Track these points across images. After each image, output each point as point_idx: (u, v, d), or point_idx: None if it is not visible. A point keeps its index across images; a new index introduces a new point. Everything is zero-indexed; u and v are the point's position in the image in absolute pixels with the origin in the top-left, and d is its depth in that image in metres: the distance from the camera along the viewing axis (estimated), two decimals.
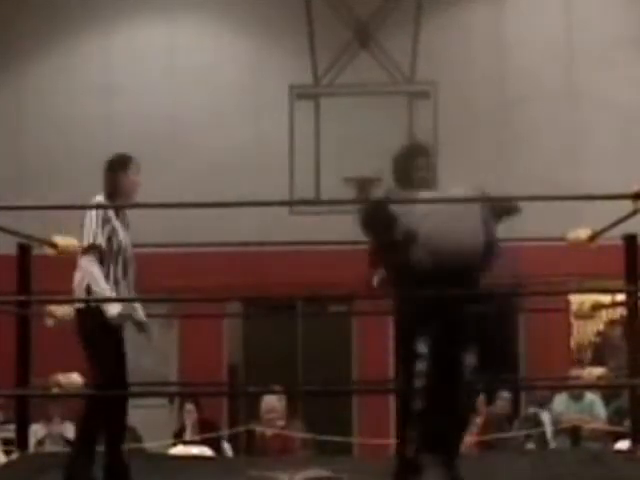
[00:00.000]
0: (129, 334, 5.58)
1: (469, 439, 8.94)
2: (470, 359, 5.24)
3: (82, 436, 5.40)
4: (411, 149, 5.60)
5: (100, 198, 5.47)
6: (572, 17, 12.09)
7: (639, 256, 6.47)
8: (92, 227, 5.32)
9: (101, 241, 5.33)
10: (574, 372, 10.72)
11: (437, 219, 5.17)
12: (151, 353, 10.87)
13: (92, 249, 5.30)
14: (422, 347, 5.18)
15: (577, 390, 10.10)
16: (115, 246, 5.39)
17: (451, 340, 5.17)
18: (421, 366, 5.17)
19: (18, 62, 12.45)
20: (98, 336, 5.32)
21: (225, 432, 10.58)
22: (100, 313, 5.29)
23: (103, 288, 5.29)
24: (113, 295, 5.34)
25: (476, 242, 5.16)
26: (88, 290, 5.35)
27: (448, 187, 5.47)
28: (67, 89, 12.40)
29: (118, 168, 5.51)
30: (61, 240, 6.46)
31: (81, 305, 5.37)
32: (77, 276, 5.43)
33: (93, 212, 5.34)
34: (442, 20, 12.21)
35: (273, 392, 8.64)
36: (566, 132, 11.95)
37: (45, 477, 5.94)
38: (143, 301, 5.66)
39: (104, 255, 5.35)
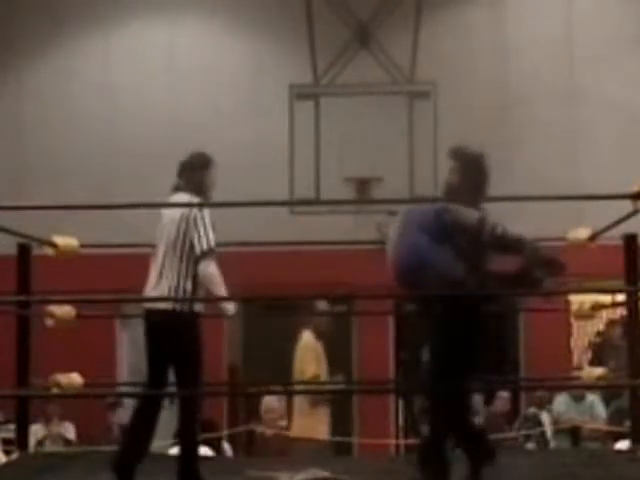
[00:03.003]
0: (131, 335, 5.57)
1: None
2: (425, 355, 5.22)
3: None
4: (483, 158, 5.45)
5: (191, 198, 5.57)
6: (572, 17, 12.09)
7: (639, 256, 6.48)
8: (208, 230, 5.42)
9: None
10: (574, 372, 10.74)
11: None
12: None
13: (212, 253, 5.41)
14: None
15: (578, 390, 10.09)
16: None
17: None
18: None
19: (18, 62, 12.45)
20: (196, 334, 5.60)
21: (225, 432, 10.57)
22: (192, 313, 5.50)
23: (222, 293, 5.46)
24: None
25: (395, 258, 5.22)
26: (179, 290, 5.43)
27: None
28: (67, 89, 12.40)
29: (201, 167, 5.68)
30: (61, 240, 6.47)
31: (175, 306, 5.45)
32: (164, 276, 5.45)
33: (204, 214, 5.45)
34: (442, 20, 12.21)
35: (273, 392, 8.63)
36: (566, 132, 11.95)
37: (45, 477, 5.95)
38: (143, 301, 5.65)
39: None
